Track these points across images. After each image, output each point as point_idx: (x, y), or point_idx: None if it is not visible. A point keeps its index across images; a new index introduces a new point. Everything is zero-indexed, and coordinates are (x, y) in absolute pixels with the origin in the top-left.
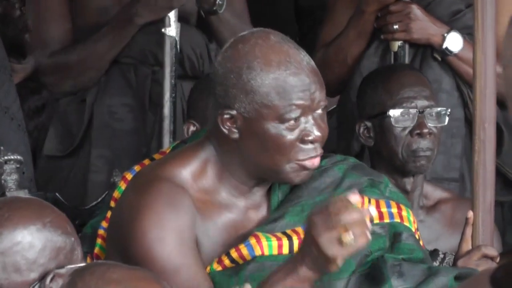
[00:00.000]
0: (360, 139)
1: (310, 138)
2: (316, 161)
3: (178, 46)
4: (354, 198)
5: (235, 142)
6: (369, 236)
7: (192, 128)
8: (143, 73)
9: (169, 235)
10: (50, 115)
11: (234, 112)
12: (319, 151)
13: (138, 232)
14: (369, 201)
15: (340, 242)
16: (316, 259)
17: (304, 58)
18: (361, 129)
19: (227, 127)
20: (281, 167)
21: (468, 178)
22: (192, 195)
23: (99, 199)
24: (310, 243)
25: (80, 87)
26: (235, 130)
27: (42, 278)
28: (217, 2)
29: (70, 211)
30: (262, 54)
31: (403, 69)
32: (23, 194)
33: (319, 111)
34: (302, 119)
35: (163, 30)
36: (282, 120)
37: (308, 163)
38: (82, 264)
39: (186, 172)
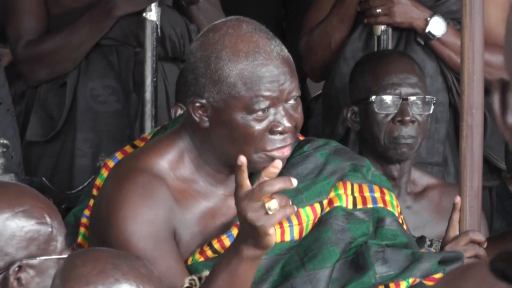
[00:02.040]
0: (348, 123)
1: (279, 129)
2: (285, 151)
3: (158, 31)
4: (294, 181)
5: (207, 130)
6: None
7: (179, 111)
8: (126, 55)
9: (145, 227)
10: (31, 101)
11: (204, 101)
12: (289, 141)
13: (115, 224)
14: (352, 186)
15: (266, 211)
16: (251, 234)
17: (274, 48)
18: (349, 114)
19: (198, 116)
20: (249, 157)
21: (452, 162)
22: (170, 185)
23: (85, 184)
24: (242, 221)
25: (55, 76)
26: (205, 119)
27: (8, 267)
28: None
29: (56, 196)
30: (231, 44)
31: (392, 56)
32: (9, 178)
33: (291, 101)
34: (272, 110)
35: (144, 14)
36: (249, 111)
37: (276, 153)
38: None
39: (163, 162)
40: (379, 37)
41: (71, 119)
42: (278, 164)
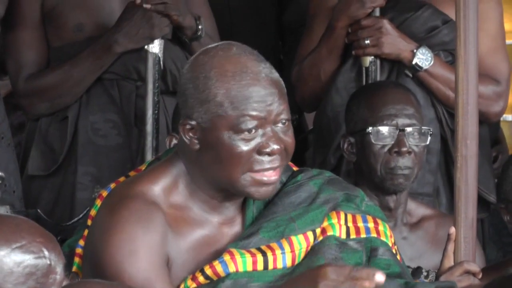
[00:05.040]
0: (344, 154)
1: (267, 150)
2: (273, 175)
3: (161, 63)
4: (379, 277)
5: (197, 153)
6: None
7: (174, 141)
8: (127, 89)
9: (139, 251)
10: (31, 134)
11: (193, 122)
12: (277, 163)
13: (108, 248)
14: (345, 216)
15: None
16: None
17: (263, 70)
18: (345, 145)
19: (188, 138)
20: (235, 178)
21: (444, 192)
22: (164, 211)
23: (81, 215)
24: (308, 282)
25: (55, 110)
26: (195, 141)
27: None
28: (199, 28)
29: (52, 228)
30: (219, 65)
31: (388, 87)
32: (4, 210)
33: (280, 124)
34: (260, 131)
35: (145, 47)
36: (236, 130)
37: (263, 177)
38: None
39: (157, 188)
40: (367, 68)
41: (72, 153)
42: (380, 278)
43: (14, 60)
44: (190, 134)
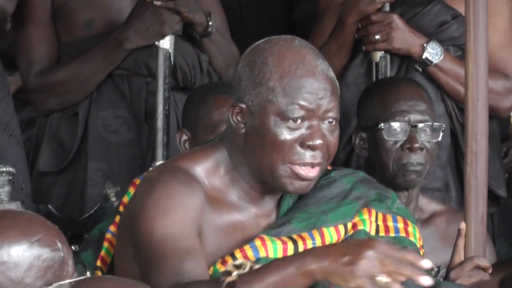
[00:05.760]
0: (356, 150)
1: (309, 143)
2: (311, 172)
3: (172, 59)
4: (426, 263)
5: (241, 138)
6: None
7: (184, 137)
8: (137, 85)
9: (176, 208)
10: (42, 130)
11: (243, 106)
12: (318, 159)
13: (147, 202)
14: (376, 214)
15: (372, 280)
16: (336, 269)
17: (320, 65)
18: (357, 140)
19: (235, 121)
20: (275, 167)
21: (454, 187)
22: (204, 189)
23: (91, 211)
24: (346, 258)
25: (66, 106)
26: (242, 125)
27: None
28: (209, 24)
29: (63, 224)
30: (279, 52)
31: (400, 82)
32: (15, 206)
33: (327, 122)
34: (306, 123)
35: (156, 43)
36: (283, 117)
37: (301, 171)
38: (69, 280)
39: (199, 168)
40: (377, 64)
41: (83, 149)
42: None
43: (25, 56)
44: (238, 118)
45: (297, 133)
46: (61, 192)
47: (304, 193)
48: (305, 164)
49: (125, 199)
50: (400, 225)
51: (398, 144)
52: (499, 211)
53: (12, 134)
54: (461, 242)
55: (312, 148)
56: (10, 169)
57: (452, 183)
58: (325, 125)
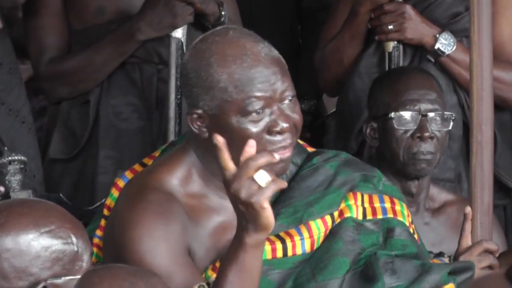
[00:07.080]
0: (366, 139)
1: (277, 129)
2: (286, 153)
3: (184, 48)
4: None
5: (207, 141)
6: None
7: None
8: (149, 72)
9: (160, 246)
10: (53, 118)
11: (200, 111)
12: (288, 141)
13: (130, 243)
14: (362, 197)
15: (258, 186)
16: (249, 218)
17: (262, 50)
18: (368, 130)
19: (197, 127)
20: None
21: (466, 178)
22: (182, 202)
23: (103, 200)
24: (237, 205)
25: (77, 94)
26: (204, 129)
27: (32, 287)
28: (222, 14)
29: (74, 212)
30: (219, 50)
31: (411, 72)
32: (27, 194)
33: (286, 101)
34: (267, 111)
35: None
36: (244, 113)
37: (277, 155)
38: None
39: (173, 179)
40: (390, 54)
41: (94, 136)
42: (252, 143)
43: (36, 44)
44: (198, 123)
45: (261, 124)
46: (72, 179)
47: (284, 174)
48: (278, 149)
49: (108, 201)
50: (387, 205)
51: (409, 133)
52: (511, 203)
53: (25, 121)
54: (468, 226)
55: (281, 132)
56: (22, 157)
57: (464, 174)
58: (285, 105)
